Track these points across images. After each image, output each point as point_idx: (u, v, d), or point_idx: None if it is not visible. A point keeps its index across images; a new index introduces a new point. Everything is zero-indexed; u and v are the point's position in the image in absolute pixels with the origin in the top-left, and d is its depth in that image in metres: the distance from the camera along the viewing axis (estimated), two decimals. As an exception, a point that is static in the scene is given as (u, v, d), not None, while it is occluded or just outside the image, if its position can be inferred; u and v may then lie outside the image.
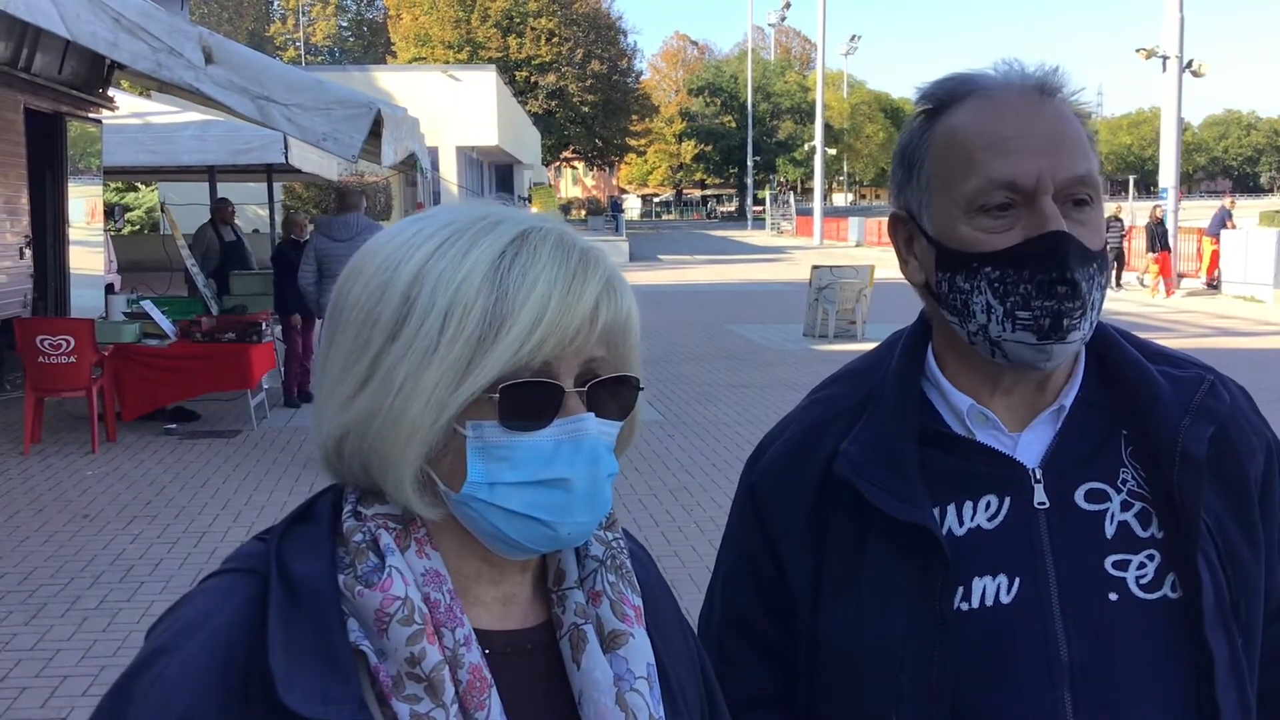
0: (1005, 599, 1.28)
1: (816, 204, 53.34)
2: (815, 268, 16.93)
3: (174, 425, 9.74)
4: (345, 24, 79.77)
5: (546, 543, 0.98)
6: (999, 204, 1.25)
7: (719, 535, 6.24)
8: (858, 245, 46.52)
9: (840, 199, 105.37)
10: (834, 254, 38.09)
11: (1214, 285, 23.15)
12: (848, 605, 1.32)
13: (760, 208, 72.51)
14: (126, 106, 14.30)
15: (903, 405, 1.36)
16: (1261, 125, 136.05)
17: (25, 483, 7.94)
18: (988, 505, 1.31)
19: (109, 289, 13.68)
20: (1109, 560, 1.29)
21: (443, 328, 0.92)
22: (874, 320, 16.70)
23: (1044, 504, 1.31)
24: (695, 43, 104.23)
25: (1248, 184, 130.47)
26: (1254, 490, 1.34)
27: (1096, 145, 1.32)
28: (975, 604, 1.28)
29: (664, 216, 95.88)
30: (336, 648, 0.90)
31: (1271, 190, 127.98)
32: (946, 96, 1.32)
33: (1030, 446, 1.34)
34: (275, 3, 74.58)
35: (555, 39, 61.93)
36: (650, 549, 5.20)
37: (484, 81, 36.95)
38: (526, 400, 0.94)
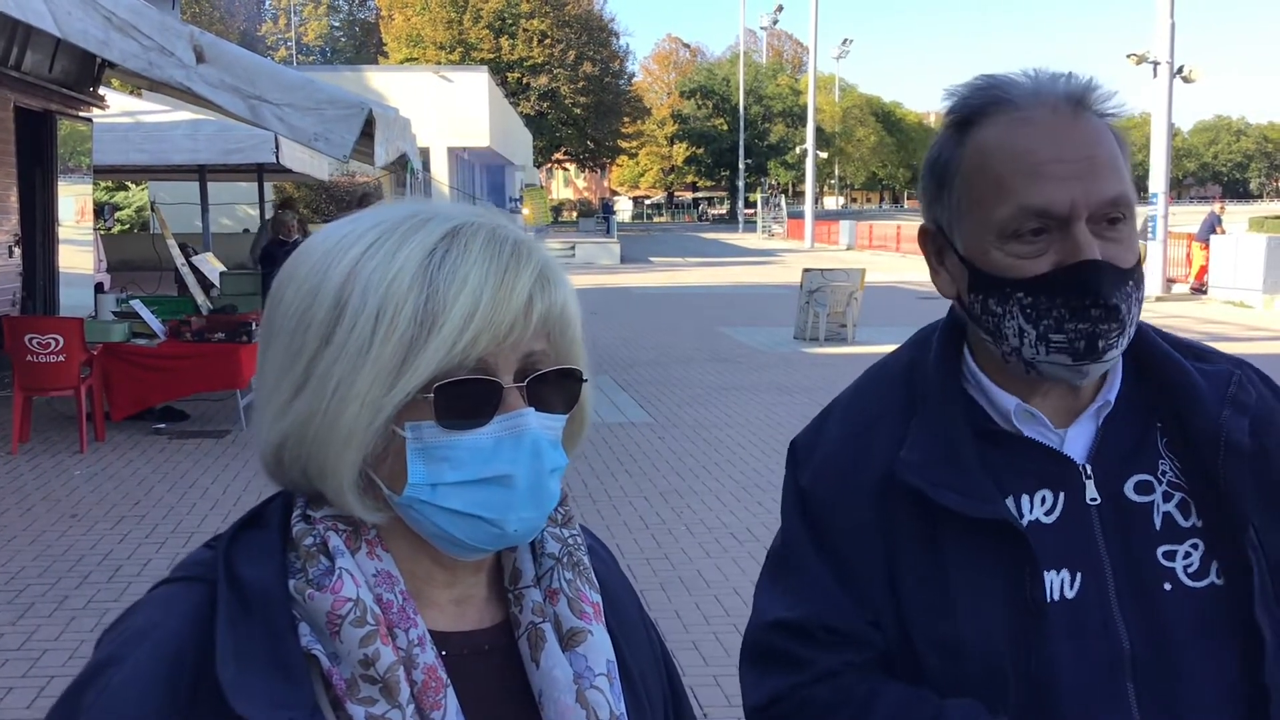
0: (1069, 594, 1.30)
1: (808, 207, 53.41)
2: (806, 271, 16.94)
3: (163, 425, 9.72)
4: (337, 24, 79.64)
5: (495, 541, 0.97)
6: (1032, 230, 1.24)
7: (709, 537, 6.23)
8: (849, 249, 46.59)
9: (831, 202, 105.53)
10: (825, 257, 38.11)
11: (1201, 290, 23.20)
12: (936, 600, 1.31)
13: (751, 210, 72.57)
14: (117, 105, 14.28)
15: (950, 405, 1.36)
16: (1251, 131, 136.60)
17: (13, 482, 7.91)
18: (1043, 500, 1.33)
19: (98, 288, 13.62)
20: (1159, 551, 1.32)
21: (374, 329, 0.91)
22: (865, 323, 16.74)
23: (1095, 500, 1.32)
24: (687, 45, 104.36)
25: (1237, 190, 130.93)
26: None
27: (1129, 152, 1.31)
28: (1050, 597, 1.30)
29: (655, 219, 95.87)
30: (287, 653, 0.89)
31: (1261, 196, 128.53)
32: (977, 108, 1.30)
33: (1075, 442, 1.35)
34: (267, 2, 74.45)
35: (547, 40, 61.89)
36: (640, 551, 5.21)
37: (476, 82, 36.93)
38: (463, 398, 0.92)
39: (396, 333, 0.90)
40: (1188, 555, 1.32)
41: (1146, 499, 1.33)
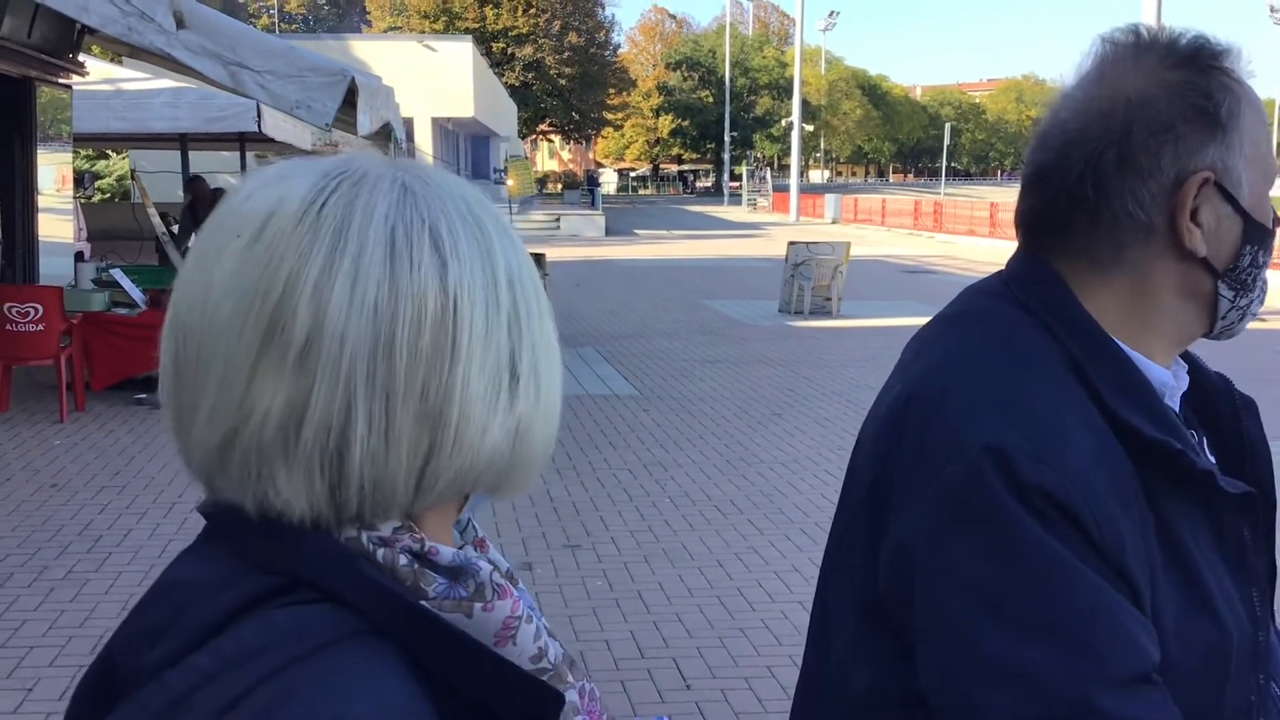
0: None
1: (793, 180, 53.38)
2: (791, 244, 16.91)
3: (144, 395, 9.65)
4: (320, -8, 78.90)
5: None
6: None
7: (693, 509, 6.21)
8: (834, 222, 46.57)
9: (817, 176, 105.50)
10: (810, 230, 38.10)
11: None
12: (1190, 595, 1.15)
13: (737, 184, 72.40)
14: (97, 72, 14.11)
15: (1139, 374, 1.20)
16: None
17: (-8, 452, 7.87)
18: None
19: (78, 257, 13.50)
20: None
21: (526, 314, 0.85)
22: (849, 297, 16.73)
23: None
24: (673, 16, 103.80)
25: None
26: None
27: None
28: None
29: (640, 191, 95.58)
30: None
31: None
32: (1217, 50, 1.20)
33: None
34: (249, -31, 73.58)
35: (532, 10, 61.49)
36: (624, 523, 5.22)
37: (460, 52, 36.72)
38: None
39: (541, 302, 0.88)
40: None
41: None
